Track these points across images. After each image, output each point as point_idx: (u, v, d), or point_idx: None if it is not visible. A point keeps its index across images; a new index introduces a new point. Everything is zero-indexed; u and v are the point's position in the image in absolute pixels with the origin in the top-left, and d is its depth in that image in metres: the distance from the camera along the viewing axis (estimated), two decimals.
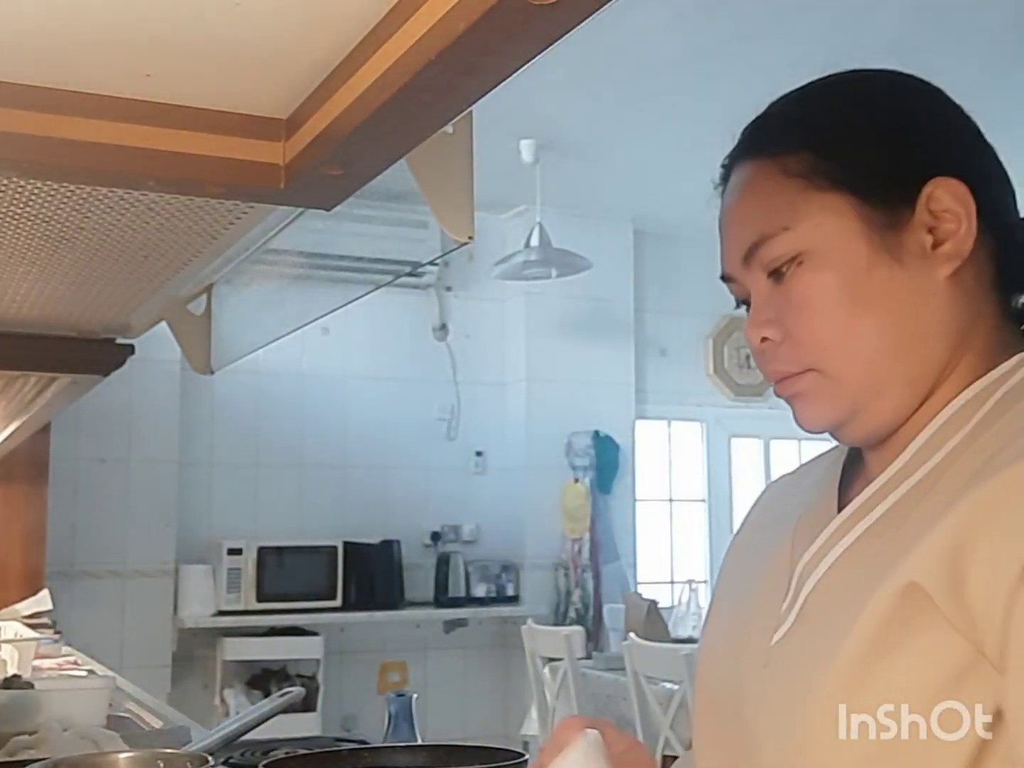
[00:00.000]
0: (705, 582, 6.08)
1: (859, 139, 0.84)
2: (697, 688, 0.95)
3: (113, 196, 1.23)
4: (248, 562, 5.11)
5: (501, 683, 5.73)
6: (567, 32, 0.71)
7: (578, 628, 4.59)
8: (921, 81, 0.88)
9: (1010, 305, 0.85)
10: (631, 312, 6.01)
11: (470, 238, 1.08)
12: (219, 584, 5.10)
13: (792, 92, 0.89)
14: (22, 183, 1.18)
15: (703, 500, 6.39)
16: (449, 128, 0.99)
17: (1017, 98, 4.27)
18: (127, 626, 5.02)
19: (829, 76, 0.88)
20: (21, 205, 1.26)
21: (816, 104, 0.88)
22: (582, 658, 4.42)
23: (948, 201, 0.81)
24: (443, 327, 5.79)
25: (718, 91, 4.29)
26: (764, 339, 0.86)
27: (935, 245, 0.81)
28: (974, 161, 0.84)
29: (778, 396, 0.88)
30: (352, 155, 0.96)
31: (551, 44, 0.73)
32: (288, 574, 5.20)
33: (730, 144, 0.91)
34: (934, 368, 0.82)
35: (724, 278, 0.90)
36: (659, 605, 4.83)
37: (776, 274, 0.85)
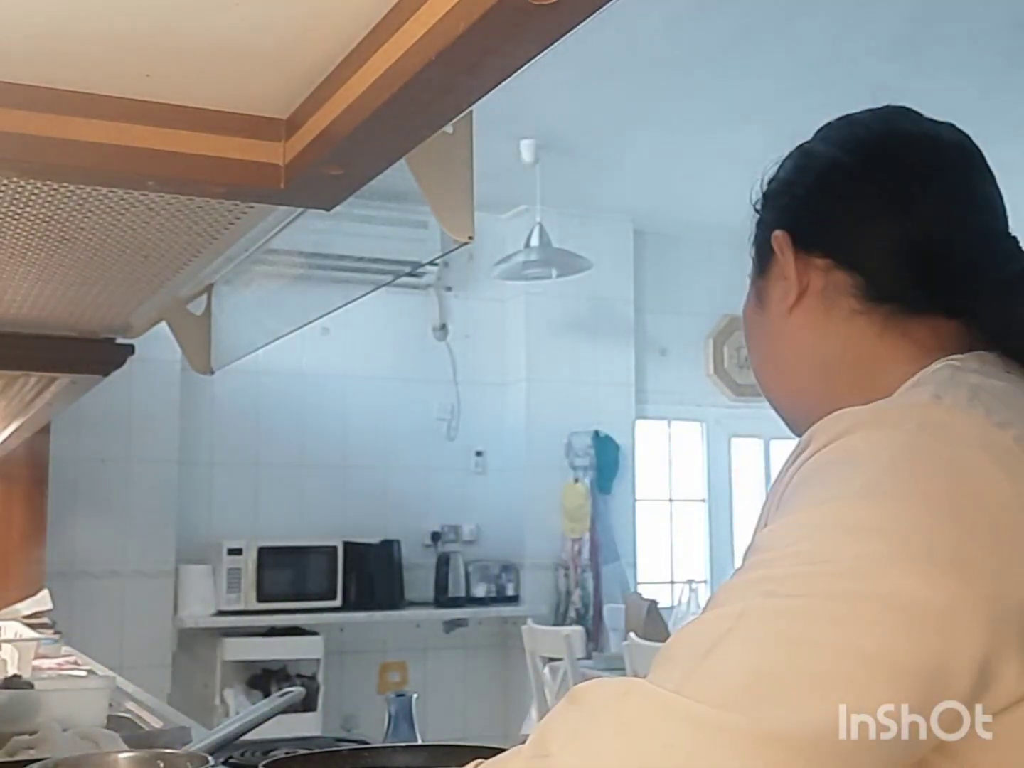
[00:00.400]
0: (705, 582, 6.08)
1: (762, 200, 0.97)
2: None
3: (113, 196, 1.23)
4: (248, 562, 5.10)
5: (501, 683, 5.73)
6: (567, 32, 0.71)
7: (578, 628, 4.59)
8: (827, 132, 0.96)
9: (909, 325, 0.87)
10: (631, 312, 6.01)
11: (470, 238, 1.08)
12: (219, 584, 5.10)
13: None
14: (22, 183, 1.18)
15: (703, 500, 6.39)
16: (449, 128, 0.99)
17: (1017, 99, 4.27)
18: (127, 626, 5.02)
19: None
20: (21, 205, 1.26)
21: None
22: (582, 658, 4.43)
23: (779, 248, 0.92)
24: (443, 327, 5.79)
25: (718, 91, 4.29)
26: None
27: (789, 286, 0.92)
28: (818, 210, 0.92)
29: None
30: (352, 155, 0.96)
31: (551, 44, 0.73)
32: (288, 574, 5.20)
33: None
34: (815, 386, 0.91)
35: None
36: (659, 605, 4.84)
37: None
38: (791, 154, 0.97)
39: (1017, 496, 0.68)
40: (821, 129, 0.97)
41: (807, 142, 0.97)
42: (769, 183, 0.98)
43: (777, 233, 0.92)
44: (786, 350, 0.93)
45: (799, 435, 0.94)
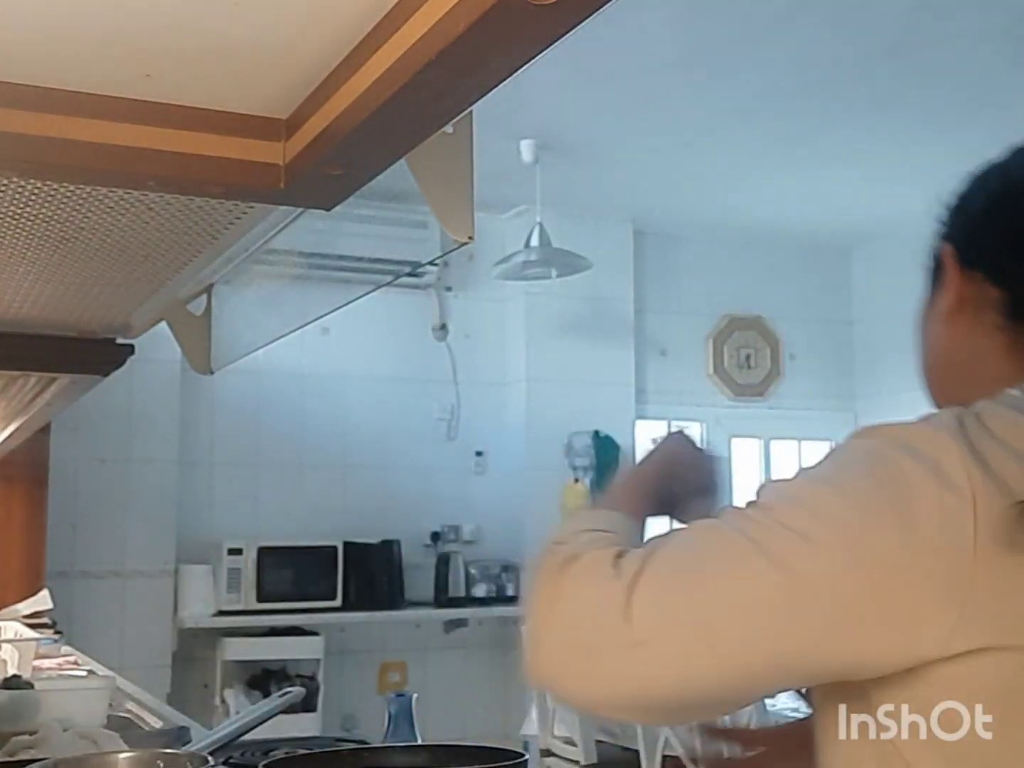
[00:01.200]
0: None
1: (945, 213, 1.04)
2: None
3: (113, 196, 1.23)
4: (248, 562, 5.10)
5: (501, 683, 5.72)
6: (567, 32, 0.71)
7: None
8: (1012, 156, 1.02)
9: None
10: (631, 312, 6.01)
11: (470, 238, 1.08)
12: (219, 584, 5.09)
13: None
14: (22, 183, 1.18)
15: None
16: (449, 128, 0.99)
17: (1012, 101, 4.27)
18: (127, 626, 5.02)
19: None
20: (21, 205, 1.26)
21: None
22: None
23: (947, 261, 0.99)
24: (443, 327, 5.79)
25: (717, 91, 4.29)
26: None
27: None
28: (978, 230, 0.99)
29: None
30: (352, 155, 0.96)
31: (551, 44, 0.73)
32: (288, 574, 5.19)
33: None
34: (942, 387, 1.01)
35: None
36: None
37: None
38: (975, 172, 1.03)
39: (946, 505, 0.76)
40: (1013, 151, 1.02)
41: (992, 163, 1.02)
42: (953, 198, 1.04)
43: (946, 247, 1.00)
44: (935, 350, 1.03)
45: None
